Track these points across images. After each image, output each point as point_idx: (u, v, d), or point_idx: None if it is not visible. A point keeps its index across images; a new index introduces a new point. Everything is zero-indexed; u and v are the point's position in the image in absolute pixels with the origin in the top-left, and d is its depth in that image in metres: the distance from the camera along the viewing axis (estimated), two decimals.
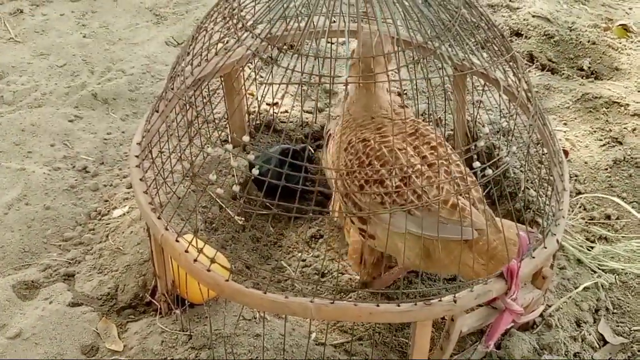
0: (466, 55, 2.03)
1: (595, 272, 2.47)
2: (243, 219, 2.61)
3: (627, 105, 3.19)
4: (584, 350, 2.26)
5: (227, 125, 2.91)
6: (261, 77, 3.25)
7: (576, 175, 2.87)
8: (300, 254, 2.52)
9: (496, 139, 2.84)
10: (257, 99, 3.12)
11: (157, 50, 3.59)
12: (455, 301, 1.87)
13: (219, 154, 2.76)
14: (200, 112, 2.09)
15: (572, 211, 2.71)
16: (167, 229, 2.02)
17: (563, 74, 3.45)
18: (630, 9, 3.92)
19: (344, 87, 1.92)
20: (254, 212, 2.59)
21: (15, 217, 2.66)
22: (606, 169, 2.91)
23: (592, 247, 2.57)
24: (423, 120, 2.86)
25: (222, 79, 2.77)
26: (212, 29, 2.16)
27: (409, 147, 2.09)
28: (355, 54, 2.23)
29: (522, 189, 2.64)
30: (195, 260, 1.94)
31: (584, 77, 3.43)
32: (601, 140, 3.05)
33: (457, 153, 2.14)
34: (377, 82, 2.18)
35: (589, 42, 3.55)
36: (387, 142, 2.10)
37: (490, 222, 2.04)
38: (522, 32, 3.64)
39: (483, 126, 2.87)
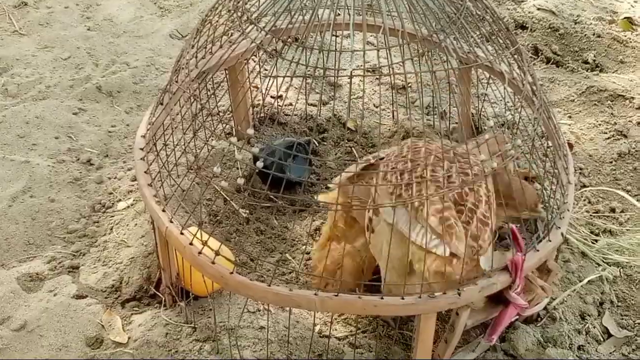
0: (471, 48, 2.02)
1: (599, 265, 2.47)
2: (247, 211, 2.61)
3: (632, 98, 3.19)
4: (588, 343, 2.26)
5: (232, 118, 2.91)
6: (265, 70, 3.25)
7: (581, 169, 2.87)
8: (304, 247, 2.52)
9: (501, 132, 2.84)
10: (261, 91, 3.12)
11: (161, 43, 3.59)
12: (459, 294, 1.87)
13: (224, 147, 2.76)
14: (204, 105, 2.09)
15: (577, 204, 2.71)
16: (171, 222, 2.02)
17: (568, 67, 3.45)
18: (635, 1, 3.91)
19: (348, 79, 1.92)
20: (258, 205, 2.60)
21: (19, 210, 2.66)
22: (611, 162, 2.91)
23: (596, 240, 2.57)
24: (428, 114, 2.86)
25: (226, 71, 2.77)
26: (217, 21, 2.16)
27: (440, 169, 2.02)
28: None
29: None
30: (199, 253, 1.95)
31: (589, 70, 3.43)
32: (606, 133, 3.05)
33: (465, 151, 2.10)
34: (381, 74, 2.18)
35: (594, 35, 3.54)
36: (431, 149, 2.07)
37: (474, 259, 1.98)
38: (527, 25, 3.63)
39: (488, 119, 2.87)
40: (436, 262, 1.92)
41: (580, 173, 2.84)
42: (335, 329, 2.27)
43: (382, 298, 1.87)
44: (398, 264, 2.00)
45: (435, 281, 1.90)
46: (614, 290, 2.42)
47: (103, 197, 2.73)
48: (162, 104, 2.29)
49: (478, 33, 2.07)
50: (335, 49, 2.03)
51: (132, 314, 2.32)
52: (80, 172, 2.84)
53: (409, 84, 3.16)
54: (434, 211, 1.94)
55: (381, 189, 2.04)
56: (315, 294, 1.86)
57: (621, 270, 2.47)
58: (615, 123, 3.07)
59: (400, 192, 2.00)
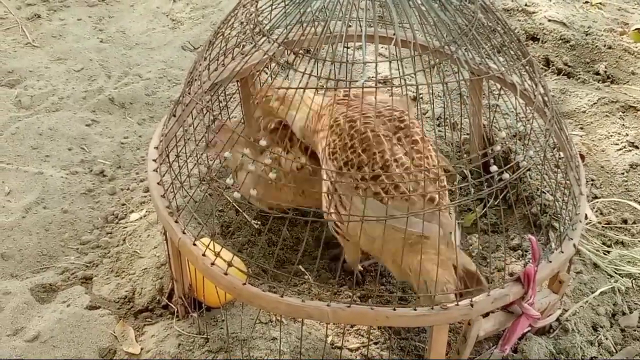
0: (483, 60, 2.03)
1: (611, 276, 2.46)
2: (259, 222, 2.62)
3: None
4: (601, 354, 2.26)
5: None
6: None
7: (592, 180, 2.86)
8: (317, 258, 2.52)
9: (513, 143, 2.84)
10: None
11: (173, 54, 3.61)
12: (472, 305, 1.87)
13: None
14: (217, 117, 2.10)
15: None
16: (184, 233, 2.03)
17: (579, 78, 3.45)
18: None
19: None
20: (270, 216, 2.60)
21: (33, 221, 2.68)
22: (622, 173, 2.90)
23: (608, 252, 2.56)
24: (439, 125, 2.87)
25: (238, 83, 2.78)
26: (229, 34, 2.17)
27: (392, 135, 2.09)
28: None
29: (539, 192, 2.64)
30: (212, 264, 1.95)
31: (600, 82, 3.43)
32: (617, 144, 3.04)
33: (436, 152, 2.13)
34: (393, 86, 2.18)
35: (605, 46, 3.54)
36: (371, 124, 2.09)
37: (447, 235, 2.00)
38: (538, 37, 3.63)
39: (499, 130, 2.87)
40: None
41: (592, 184, 2.84)
42: (347, 340, 2.27)
43: (394, 309, 1.87)
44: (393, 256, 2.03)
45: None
46: (627, 301, 2.42)
47: (116, 208, 2.74)
48: (174, 115, 2.30)
49: (489, 44, 2.07)
50: (347, 61, 2.03)
51: (144, 324, 2.33)
52: (93, 184, 2.85)
53: (421, 95, 3.16)
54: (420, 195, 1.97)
55: (341, 185, 2.07)
56: (327, 305, 1.86)
57: (633, 281, 2.47)
58: (627, 134, 3.07)
59: (367, 186, 2.02)
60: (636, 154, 2.96)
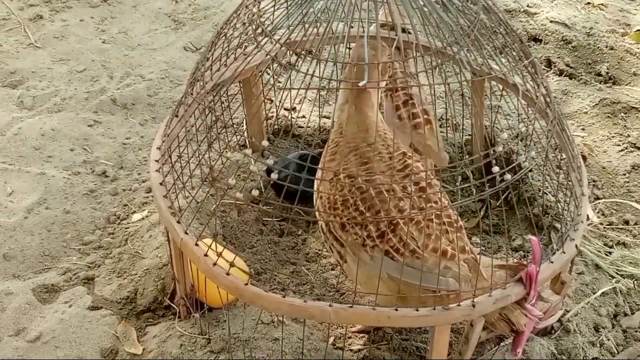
0: (485, 61, 2.03)
1: (613, 277, 2.47)
2: (261, 223, 2.62)
3: None
4: (602, 355, 2.26)
5: (246, 130, 2.92)
6: (279, 82, 3.26)
7: (594, 181, 2.86)
8: (318, 258, 2.52)
9: (514, 144, 2.85)
10: (275, 104, 3.13)
11: (175, 55, 3.61)
12: (474, 306, 1.87)
13: (238, 159, 2.77)
14: (219, 117, 2.10)
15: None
16: (186, 233, 2.03)
17: (581, 79, 3.45)
18: None
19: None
20: (272, 217, 2.61)
21: (35, 221, 2.68)
22: (624, 174, 2.91)
23: (610, 252, 2.56)
24: (441, 126, 2.87)
25: (241, 84, 2.78)
26: (231, 34, 2.17)
27: (398, 188, 2.03)
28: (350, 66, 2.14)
29: (541, 193, 2.64)
30: (214, 264, 1.96)
31: (602, 83, 3.43)
32: (619, 145, 3.04)
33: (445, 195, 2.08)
34: (395, 86, 2.18)
35: (606, 47, 3.54)
36: (375, 181, 2.02)
37: (474, 272, 1.98)
38: (540, 38, 3.63)
39: (501, 131, 2.87)
40: None
41: (593, 185, 2.84)
42: (350, 341, 2.28)
43: (396, 309, 1.87)
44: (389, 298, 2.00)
45: None
46: (628, 302, 2.42)
47: (118, 209, 2.74)
48: (177, 116, 2.30)
49: (491, 45, 2.07)
50: (349, 62, 2.03)
51: (146, 325, 2.33)
52: (95, 184, 2.86)
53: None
54: (432, 250, 1.95)
55: (346, 240, 2.02)
56: (329, 305, 1.86)
57: (635, 282, 2.47)
58: (629, 135, 3.07)
59: (374, 244, 1.99)
60: (638, 155, 2.96)
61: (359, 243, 2.01)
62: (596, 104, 3.24)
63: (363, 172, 2.06)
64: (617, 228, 2.69)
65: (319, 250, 2.55)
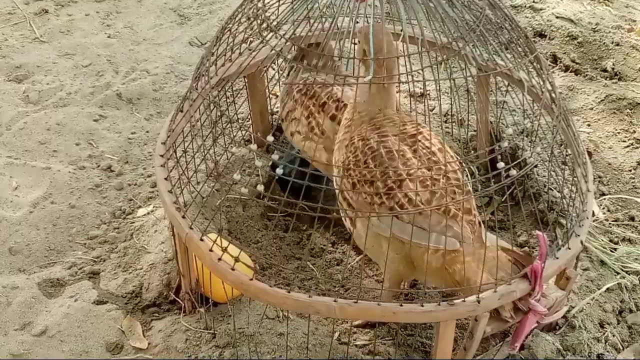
0: (490, 56, 2.03)
1: (618, 273, 2.46)
2: (267, 218, 2.62)
3: None
4: (607, 351, 2.26)
5: (251, 125, 2.92)
6: (285, 77, 3.26)
7: (600, 177, 2.86)
8: (323, 254, 2.52)
9: (520, 140, 2.84)
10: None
11: (181, 50, 3.61)
12: (478, 302, 1.87)
13: (243, 154, 2.77)
14: (224, 112, 2.10)
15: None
16: (191, 228, 2.03)
17: (587, 75, 3.44)
18: None
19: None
20: (277, 212, 2.61)
21: (40, 216, 2.68)
22: (630, 170, 2.90)
23: (615, 249, 2.56)
24: (446, 121, 2.87)
25: (246, 79, 2.78)
26: (236, 29, 2.17)
27: (408, 149, 2.08)
28: (361, 50, 2.18)
29: (547, 189, 2.64)
30: (219, 259, 1.96)
31: (608, 79, 3.42)
32: (625, 141, 3.04)
33: (458, 161, 2.11)
34: (400, 82, 2.18)
35: (612, 43, 3.54)
36: (386, 141, 2.09)
37: (477, 236, 2.01)
38: (545, 33, 3.63)
39: (507, 127, 2.87)
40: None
41: (599, 181, 2.84)
42: (355, 336, 2.28)
43: (401, 305, 1.87)
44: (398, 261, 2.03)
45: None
46: (633, 298, 2.42)
47: (123, 204, 2.75)
48: (182, 111, 2.30)
49: (497, 41, 2.07)
50: (354, 57, 2.03)
51: (152, 319, 2.34)
52: (101, 179, 2.86)
53: (428, 92, 3.16)
54: (435, 207, 1.97)
55: (357, 201, 2.06)
56: (334, 301, 1.86)
57: None
58: (634, 131, 3.07)
59: (382, 201, 2.02)
60: None
61: (368, 202, 2.03)
62: (602, 100, 3.24)
63: (376, 134, 2.11)
64: (623, 224, 2.68)
65: (324, 245, 2.55)
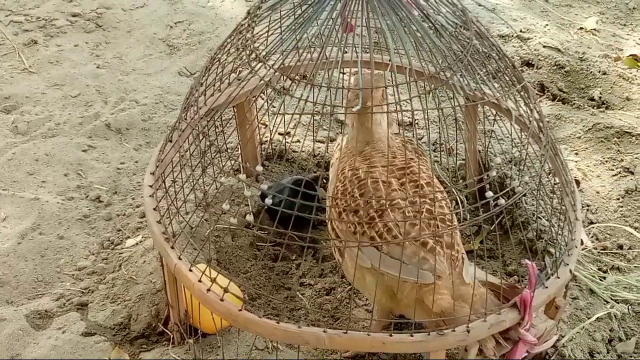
0: (478, 86, 2.04)
1: (608, 302, 2.46)
2: (256, 248, 2.61)
3: (639, 135, 3.20)
4: None
5: (240, 155, 2.93)
6: (274, 107, 3.26)
7: (588, 205, 2.87)
8: (313, 284, 2.52)
9: (508, 169, 2.85)
10: (269, 129, 3.13)
11: (170, 80, 3.62)
12: (468, 331, 1.87)
13: (232, 184, 2.77)
14: (213, 142, 2.10)
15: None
16: (180, 259, 2.03)
17: (574, 104, 3.46)
18: None
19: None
20: (266, 242, 2.60)
21: (29, 247, 2.67)
22: (618, 199, 2.91)
23: (604, 277, 2.56)
24: (435, 150, 2.87)
25: (235, 109, 2.79)
26: (226, 59, 2.18)
27: (395, 181, 2.09)
28: (352, 92, 2.21)
29: (535, 218, 2.64)
30: (208, 290, 1.95)
31: (595, 107, 3.44)
32: (613, 170, 3.05)
33: (445, 195, 2.12)
34: (388, 112, 2.18)
35: (599, 72, 3.56)
36: (374, 172, 2.11)
37: (457, 273, 2.01)
38: (533, 63, 3.65)
39: (495, 156, 2.88)
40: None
41: (587, 210, 2.85)
42: None
43: (390, 335, 1.86)
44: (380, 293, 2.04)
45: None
46: (623, 327, 2.42)
47: (112, 234, 2.74)
48: (171, 141, 2.30)
49: (485, 70, 2.08)
50: (343, 87, 2.04)
51: (140, 351, 2.32)
52: (89, 209, 2.85)
53: (416, 121, 3.17)
54: (413, 238, 1.97)
55: (342, 230, 2.08)
56: (324, 331, 1.86)
57: (629, 307, 2.47)
58: (622, 160, 3.08)
59: (364, 230, 2.03)
60: (631, 179, 2.97)
61: (351, 231, 2.04)
62: (589, 129, 3.25)
63: (365, 165, 2.14)
64: (611, 253, 2.69)
65: (313, 274, 2.55)
